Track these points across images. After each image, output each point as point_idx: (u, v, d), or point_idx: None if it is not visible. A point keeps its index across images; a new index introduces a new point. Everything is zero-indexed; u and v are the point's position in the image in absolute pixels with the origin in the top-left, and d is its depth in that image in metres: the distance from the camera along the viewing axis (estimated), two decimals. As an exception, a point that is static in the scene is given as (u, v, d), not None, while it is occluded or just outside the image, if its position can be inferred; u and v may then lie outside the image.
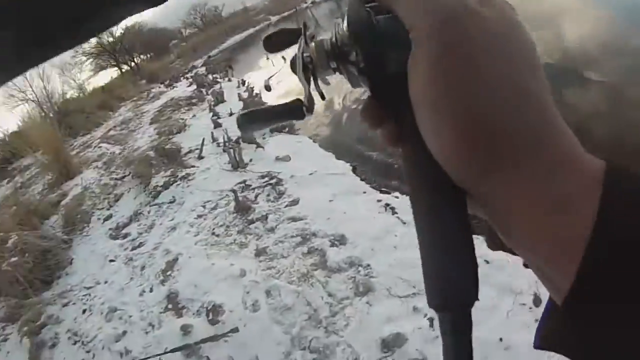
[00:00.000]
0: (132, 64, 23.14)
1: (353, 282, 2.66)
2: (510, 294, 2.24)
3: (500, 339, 2.02)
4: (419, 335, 2.20)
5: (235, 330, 2.59)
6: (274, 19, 20.74)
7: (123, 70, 22.59)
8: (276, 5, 22.28)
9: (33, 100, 14.67)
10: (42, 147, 6.97)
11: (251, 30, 19.84)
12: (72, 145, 8.68)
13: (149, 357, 2.72)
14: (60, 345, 3.27)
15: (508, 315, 2.14)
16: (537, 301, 2.15)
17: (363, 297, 2.52)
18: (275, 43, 0.39)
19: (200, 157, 5.27)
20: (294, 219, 3.47)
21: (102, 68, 23.62)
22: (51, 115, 10.77)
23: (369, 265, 2.74)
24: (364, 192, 3.54)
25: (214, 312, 2.85)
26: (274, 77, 8.48)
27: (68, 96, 15.32)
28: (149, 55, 24.33)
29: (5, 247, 4.42)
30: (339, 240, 3.06)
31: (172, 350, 2.63)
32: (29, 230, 4.75)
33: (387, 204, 3.25)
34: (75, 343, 3.23)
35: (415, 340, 2.19)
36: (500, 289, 2.26)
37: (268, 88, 8.16)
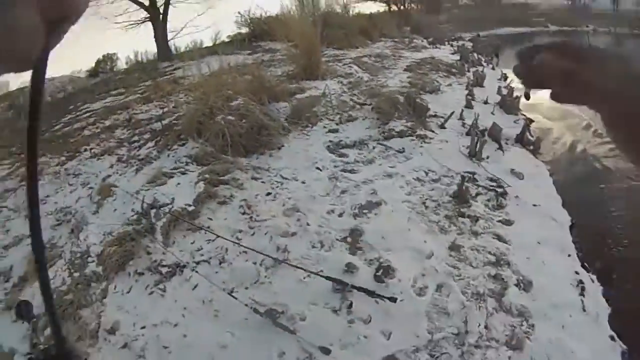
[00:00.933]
0: (401, 7, 23.88)
1: (511, 331, 2.65)
2: None
3: None
4: None
5: (393, 299, 2.67)
6: (552, 27, 20.08)
7: (391, 10, 23.54)
8: (561, 15, 20.98)
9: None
10: (297, 39, 7.60)
11: (526, 29, 19.82)
12: (324, 53, 9.50)
13: (301, 269, 2.98)
14: (228, 206, 3.79)
15: None
16: None
17: (510, 350, 2.53)
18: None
19: (442, 127, 5.33)
20: (499, 238, 3.42)
21: (370, -1, 24.81)
22: (310, 18, 11.80)
23: (533, 325, 2.70)
24: (569, 255, 3.38)
25: (384, 271, 2.97)
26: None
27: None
28: (419, 6, 24.77)
29: (229, 104, 5.15)
30: (525, 285, 3.00)
31: (328, 278, 2.84)
32: (256, 102, 5.39)
33: (581, 281, 3.11)
34: (243, 213, 3.70)
35: None
36: None
37: (527, 96, 7.95)
